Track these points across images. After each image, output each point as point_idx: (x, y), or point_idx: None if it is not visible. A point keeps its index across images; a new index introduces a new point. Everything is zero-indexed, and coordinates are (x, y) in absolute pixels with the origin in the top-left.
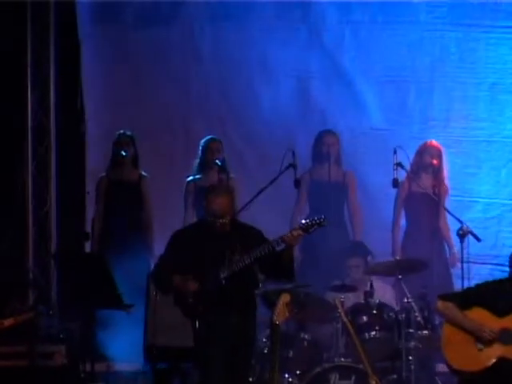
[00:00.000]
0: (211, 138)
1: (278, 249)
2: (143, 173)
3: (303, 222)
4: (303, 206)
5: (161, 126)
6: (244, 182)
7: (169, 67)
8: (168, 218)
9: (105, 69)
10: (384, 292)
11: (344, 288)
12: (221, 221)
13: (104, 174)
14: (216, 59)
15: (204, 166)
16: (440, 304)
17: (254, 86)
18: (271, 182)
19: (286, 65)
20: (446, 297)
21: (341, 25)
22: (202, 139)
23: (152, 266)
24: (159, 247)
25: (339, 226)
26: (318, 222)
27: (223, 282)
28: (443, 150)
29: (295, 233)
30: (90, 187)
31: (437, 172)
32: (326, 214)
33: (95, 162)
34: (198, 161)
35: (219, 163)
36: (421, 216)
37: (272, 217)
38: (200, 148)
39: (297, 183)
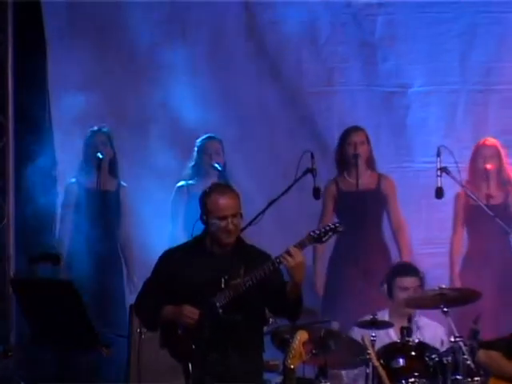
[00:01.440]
0: (209, 137)
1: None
2: (122, 182)
3: (313, 231)
4: (329, 219)
5: (141, 119)
6: (250, 193)
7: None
8: (151, 235)
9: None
10: (426, 328)
11: (376, 323)
12: (229, 236)
13: (73, 180)
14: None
15: (199, 171)
16: (482, 354)
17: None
18: (284, 192)
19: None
20: (489, 345)
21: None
22: (197, 139)
23: (132, 295)
24: (141, 272)
25: (377, 246)
26: (331, 228)
27: (220, 311)
28: (503, 149)
29: (292, 251)
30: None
31: (496, 178)
32: (359, 232)
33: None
34: (192, 164)
35: (219, 168)
36: (483, 234)
37: (285, 236)
38: (195, 149)
39: (316, 193)
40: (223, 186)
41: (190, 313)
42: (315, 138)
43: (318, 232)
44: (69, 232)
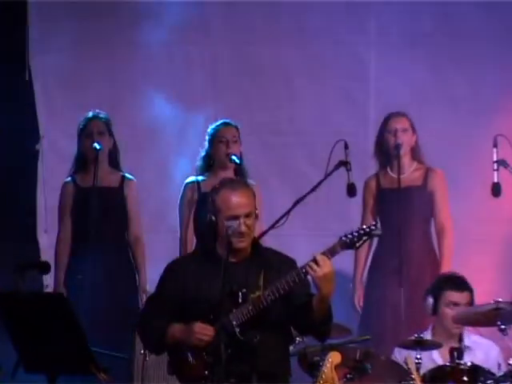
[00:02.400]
0: (224, 123)
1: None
2: (127, 174)
3: (345, 235)
4: (370, 221)
5: (140, 103)
6: (273, 191)
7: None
8: (166, 239)
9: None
10: (478, 349)
11: (422, 344)
12: (241, 239)
13: (68, 178)
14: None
15: (212, 164)
16: None
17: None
18: (313, 190)
19: None
20: None
21: None
22: (211, 124)
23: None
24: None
25: (424, 253)
26: (366, 231)
27: (237, 331)
28: None
29: (319, 259)
30: (47, 198)
31: None
32: (405, 236)
33: (52, 162)
34: (203, 154)
35: (236, 160)
36: None
37: (313, 241)
38: (207, 137)
39: (351, 190)
40: (235, 181)
41: (203, 330)
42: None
43: (350, 236)
44: (67, 242)
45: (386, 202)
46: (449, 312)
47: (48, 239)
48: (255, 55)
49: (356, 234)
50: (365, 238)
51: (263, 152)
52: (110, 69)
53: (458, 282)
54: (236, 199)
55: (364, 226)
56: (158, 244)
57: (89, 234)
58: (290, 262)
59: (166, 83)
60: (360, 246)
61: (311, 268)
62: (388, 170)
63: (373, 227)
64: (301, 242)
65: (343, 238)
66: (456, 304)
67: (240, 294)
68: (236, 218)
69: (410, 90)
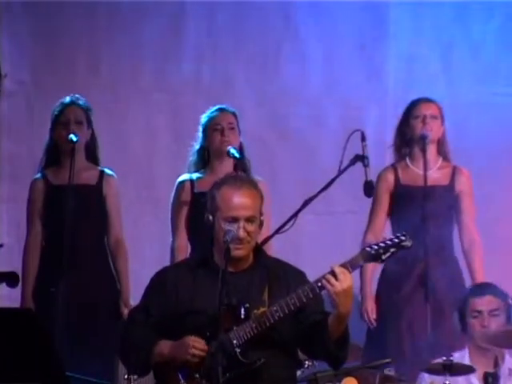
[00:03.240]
0: (218, 109)
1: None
2: (106, 169)
3: (369, 246)
4: (382, 225)
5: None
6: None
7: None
8: (150, 245)
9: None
10: None
11: (451, 368)
12: (239, 246)
13: (38, 175)
14: None
15: (208, 158)
16: None
17: None
18: (325, 188)
19: None
20: None
21: None
22: (203, 113)
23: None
24: (137, 295)
25: (446, 262)
26: (395, 242)
27: (238, 352)
28: None
29: (339, 272)
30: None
31: None
32: (423, 239)
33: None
34: (196, 148)
35: (235, 153)
36: None
37: (329, 250)
38: (200, 127)
39: (368, 189)
40: (242, 178)
41: (197, 344)
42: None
43: (375, 247)
44: (36, 249)
45: (407, 201)
46: (474, 323)
47: (6, 267)
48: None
49: (382, 245)
50: (392, 250)
51: (271, 124)
52: None
53: (482, 287)
54: (238, 199)
55: (392, 237)
56: (144, 251)
57: (62, 239)
58: (299, 275)
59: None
60: (386, 259)
61: (329, 282)
62: (408, 162)
63: (402, 238)
64: (313, 250)
65: (367, 249)
66: (479, 312)
67: (242, 308)
68: (235, 220)
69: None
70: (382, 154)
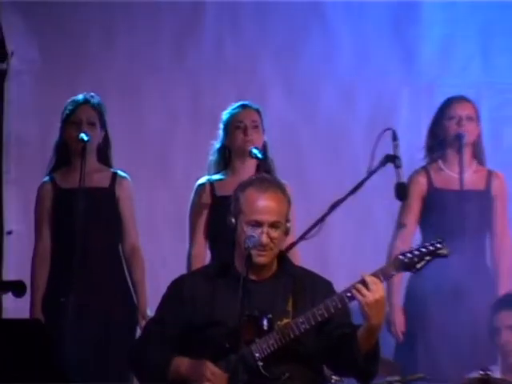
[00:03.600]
0: (241, 106)
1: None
2: (119, 171)
3: (402, 254)
4: (412, 232)
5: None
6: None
7: None
8: (169, 252)
9: None
10: None
11: (488, 383)
12: (262, 253)
13: (47, 178)
14: None
15: (229, 158)
16: None
17: None
18: (353, 191)
19: None
20: None
21: None
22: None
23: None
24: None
25: (481, 271)
26: (430, 249)
27: (260, 365)
28: None
29: (370, 281)
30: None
31: None
32: (457, 246)
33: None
34: (217, 147)
35: (257, 153)
36: None
37: (357, 258)
38: (221, 124)
39: (401, 192)
40: (269, 180)
41: (214, 377)
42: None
43: (409, 255)
44: (46, 257)
45: (440, 206)
46: (506, 340)
47: (15, 254)
48: None
49: (417, 253)
50: (427, 258)
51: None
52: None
53: (508, 299)
54: (263, 202)
55: (426, 244)
56: (162, 259)
57: (73, 246)
58: (326, 284)
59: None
60: (421, 268)
61: (359, 292)
62: (441, 164)
63: (438, 245)
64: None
65: (400, 258)
66: (509, 326)
67: (264, 319)
68: (259, 224)
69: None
70: (415, 141)
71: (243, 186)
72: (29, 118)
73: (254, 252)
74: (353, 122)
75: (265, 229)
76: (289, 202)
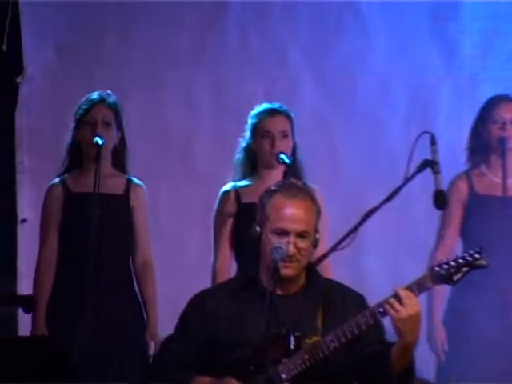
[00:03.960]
0: (270, 111)
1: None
2: (134, 178)
3: (438, 265)
4: (453, 241)
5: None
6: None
7: None
8: (186, 264)
9: None
10: None
11: None
12: (288, 264)
13: (57, 180)
14: None
15: (256, 164)
16: None
17: None
18: (388, 199)
19: None
20: None
21: None
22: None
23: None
24: (167, 323)
25: None
26: (468, 260)
27: None
28: None
29: (404, 295)
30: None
31: None
32: (501, 255)
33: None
34: (243, 146)
35: (285, 159)
36: None
37: (392, 270)
38: (248, 127)
39: (440, 199)
40: (298, 186)
41: None
42: None
43: (445, 267)
44: (51, 268)
45: (482, 213)
46: None
47: (29, 243)
48: None
49: (453, 264)
50: (465, 269)
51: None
52: None
53: None
54: (291, 209)
55: (464, 254)
56: (185, 270)
57: (82, 255)
58: (358, 298)
59: None
60: (458, 280)
61: (392, 307)
62: (483, 169)
63: (476, 255)
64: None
65: (436, 269)
66: None
67: (292, 337)
68: (285, 233)
69: None
70: (456, 138)
71: (270, 192)
72: (43, 109)
73: (280, 264)
74: (390, 118)
75: (291, 238)
76: (318, 212)
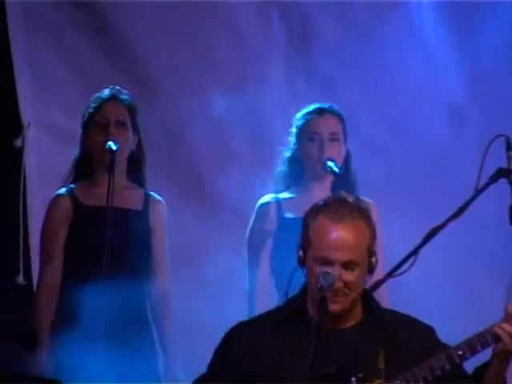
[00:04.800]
0: (319, 110)
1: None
2: (152, 193)
3: None
4: None
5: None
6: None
7: None
8: (211, 295)
9: None
10: None
11: None
12: (335, 299)
13: (63, 190)
14: None
15: (301, 173)
16: None
17: None
18: (458, 213)
19: None
20: None
21: None
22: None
23: None
24: (191, 361)
25: None
26: None
27: None
28: None
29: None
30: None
31: None
32: None
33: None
34: (287, 156)
35: (333, 167)
36: None
37: (464, 296)
38: (293, 129)
39: None
40: (348, 205)
41: None
42: None
43: None
44: (55, 290)
45: None
46: None
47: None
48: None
49: None
50: None
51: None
52: None
53: None
54: (337, 234)
55: None
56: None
57: (91, 280)
58: (426, 332)
59: None
60: None
61: (502, 329)
62: None
63: None
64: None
65: None
66: None
67: (353, 380)
68: (329, 263)
69: None
70: None
71: (315, 211)
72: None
73: (328, 295)
74: (458, 140)
75: (337, 269)
76: (373, 234)
